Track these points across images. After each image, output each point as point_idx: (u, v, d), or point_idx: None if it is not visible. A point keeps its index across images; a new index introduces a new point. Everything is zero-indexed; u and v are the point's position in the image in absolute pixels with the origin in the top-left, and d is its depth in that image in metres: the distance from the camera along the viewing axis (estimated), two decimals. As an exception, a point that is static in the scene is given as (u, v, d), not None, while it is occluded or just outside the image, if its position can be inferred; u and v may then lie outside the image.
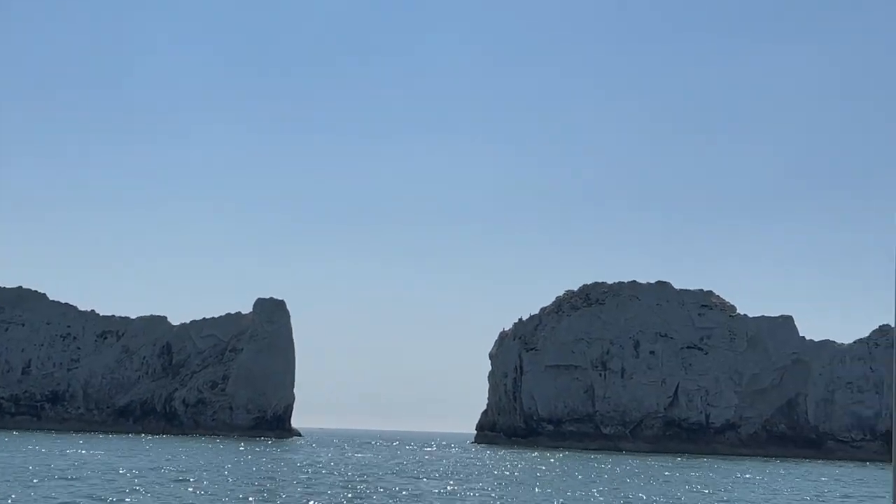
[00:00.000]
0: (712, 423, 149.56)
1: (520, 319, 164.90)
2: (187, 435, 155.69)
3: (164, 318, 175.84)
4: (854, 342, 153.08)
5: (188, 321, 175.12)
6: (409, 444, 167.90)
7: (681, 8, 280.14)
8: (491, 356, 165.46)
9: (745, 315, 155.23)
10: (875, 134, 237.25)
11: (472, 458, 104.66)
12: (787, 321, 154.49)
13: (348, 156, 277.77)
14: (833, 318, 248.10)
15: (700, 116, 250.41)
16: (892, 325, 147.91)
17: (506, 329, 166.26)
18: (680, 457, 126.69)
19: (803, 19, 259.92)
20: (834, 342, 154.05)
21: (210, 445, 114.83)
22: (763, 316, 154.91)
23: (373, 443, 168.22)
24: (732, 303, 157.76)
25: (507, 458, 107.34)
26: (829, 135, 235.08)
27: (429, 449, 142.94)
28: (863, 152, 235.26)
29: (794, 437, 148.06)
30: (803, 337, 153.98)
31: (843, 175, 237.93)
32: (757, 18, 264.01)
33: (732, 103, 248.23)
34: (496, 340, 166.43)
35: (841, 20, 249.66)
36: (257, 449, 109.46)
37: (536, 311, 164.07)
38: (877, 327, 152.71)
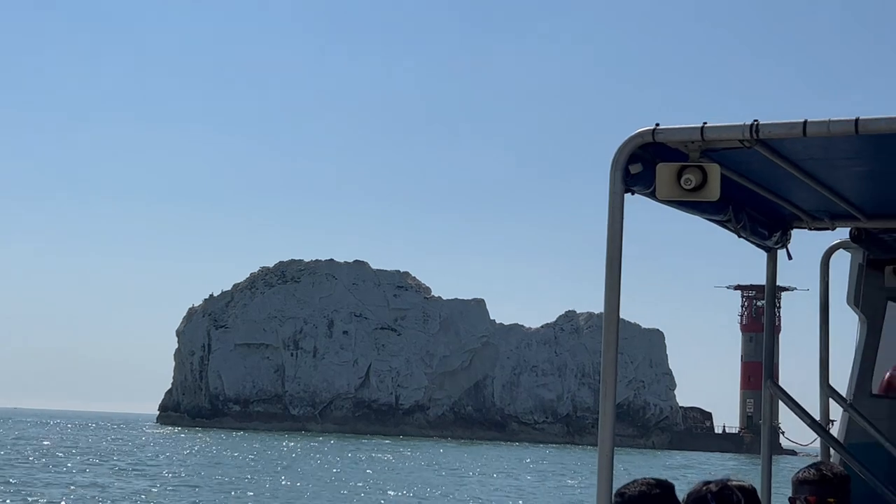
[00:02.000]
0: (402, 404, 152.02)
1: (210, 295, 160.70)
2: None
3: None
4: (541, 326, 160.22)
5: None
6: (72, 424, 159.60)
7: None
8: (178, 333, 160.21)
9: (439, 297, 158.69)
10: (570, 132, 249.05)
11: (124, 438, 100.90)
12: (479, 304, 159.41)
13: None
14: (523, 302, 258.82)
15: (406, 104, 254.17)
16: (577, 311, 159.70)
17: (195, 305, 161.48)
18: (366, 439, 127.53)
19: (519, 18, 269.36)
20: (522, 326, 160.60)
21: None
22: (456, 298, 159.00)
23: (29, 421, 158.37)
24: (428, 284, 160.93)
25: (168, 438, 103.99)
26: (530, 126, 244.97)
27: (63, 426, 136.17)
28: (556, 146, 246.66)
29: (480, 420, 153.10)
30: (494, 320, 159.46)
31: (538, 166, 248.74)
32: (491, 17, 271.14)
33: (433, 91, 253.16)
34: (184, 317, 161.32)
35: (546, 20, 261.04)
36: None
37: (229, 288, 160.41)
38: (563, 312, 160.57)
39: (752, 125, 4.74)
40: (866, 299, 8.81)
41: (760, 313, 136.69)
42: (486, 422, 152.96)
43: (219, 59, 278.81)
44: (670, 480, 4.93)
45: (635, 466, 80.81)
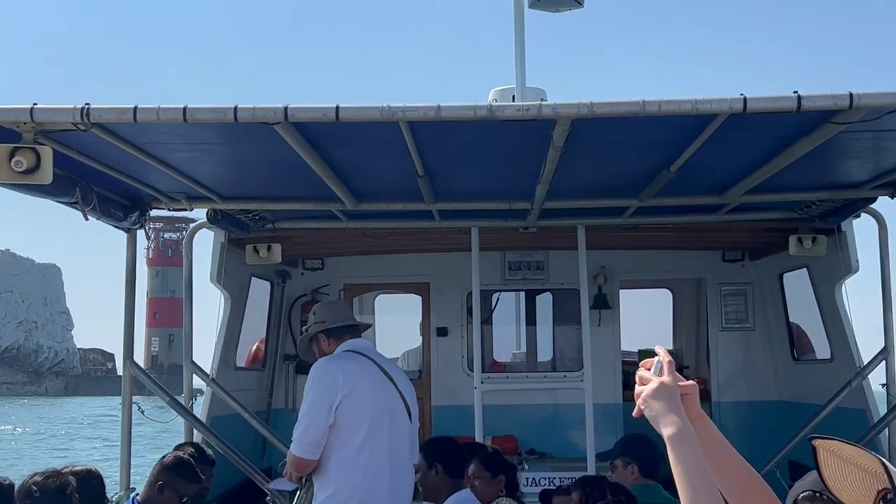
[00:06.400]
0: None
1: None
2: None
3: None
4: None
5: None
6: None
7: None
8: None
9: None
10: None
11: None
12: None
13: None
14: None
15: None
16: None
17: None
18: None
19: None
20: None
21: None
22: None
23: None
24: None
25: None
26: None
27: None
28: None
29: None
30: None
31: None
32: None
33: None
34: None
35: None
36: None
37: None
38: None
39: (83, 108, 4.81)
40: (229, 276, 9.32)
41: (168, 246, 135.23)
42: None
43: None
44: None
45: (27, 417, 76.80)
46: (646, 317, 12.74)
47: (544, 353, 11.69)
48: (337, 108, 4.99)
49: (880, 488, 2.37)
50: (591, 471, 8.28)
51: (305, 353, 6.49)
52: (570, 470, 9.43)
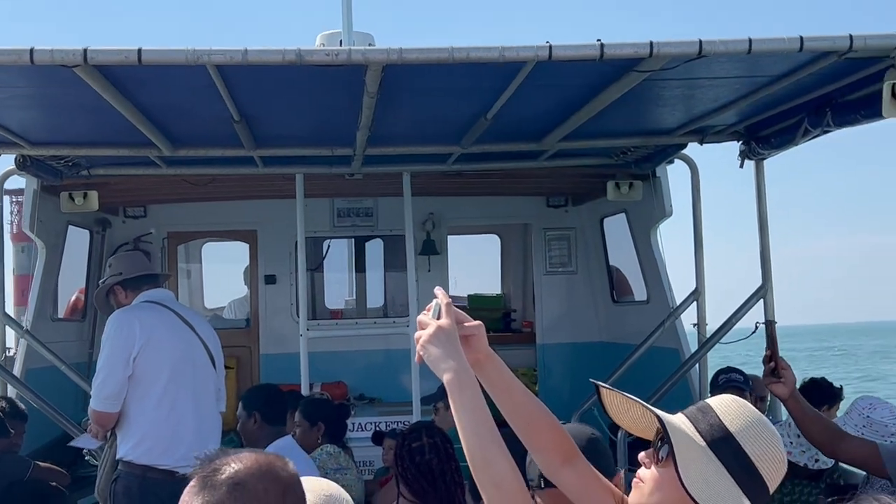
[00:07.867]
0: None
1: None
2: None
3: None
4: None
5: None
6: None
7: None
8: None
9: None
10: None
11: None
12: None
13: None
14: None
15: None
16: None
17: None
18: None
19: None
20: None
21: None
22: None
23: None
24: None
25: None
26: None
27: None
28: None
29: None
30: None
31: None
32: None
33: None
34: None
35: None
36: None
37: None
38: None
39: None
40: (44, 225, 8.99)
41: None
42: None
43: None
44: None
45: None
46: (475, 262, 12.86)
47: (375, 300, 11.69)
48: (139, 50, 4.82)
49: (658, 428, 2.48)
50: (416, 415, 8.34)
51: (102, 306, 6.33)
52: (397, 414, 9.49)
